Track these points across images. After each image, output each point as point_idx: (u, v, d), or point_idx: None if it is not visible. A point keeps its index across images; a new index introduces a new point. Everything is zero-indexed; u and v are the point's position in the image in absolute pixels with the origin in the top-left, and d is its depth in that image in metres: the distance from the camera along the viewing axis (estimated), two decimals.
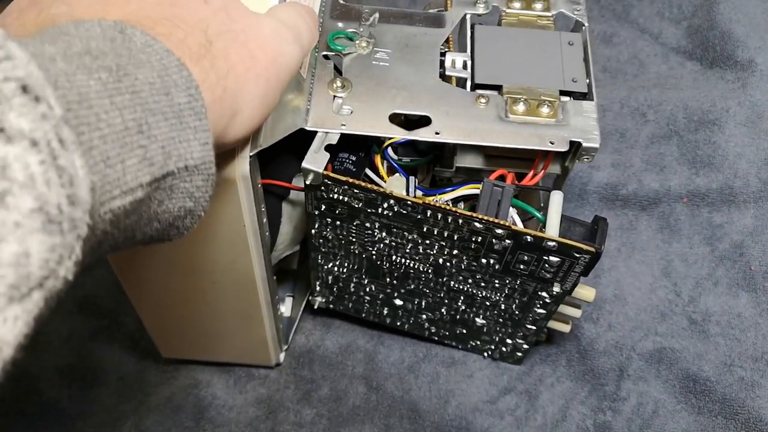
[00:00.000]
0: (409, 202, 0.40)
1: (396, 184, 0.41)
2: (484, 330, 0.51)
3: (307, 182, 0.40)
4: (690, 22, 0.72)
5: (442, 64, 0.43)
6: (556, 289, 0.43)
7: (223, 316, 0.49)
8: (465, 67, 0.43)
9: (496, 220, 0.38)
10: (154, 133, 0.24)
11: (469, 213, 0.39)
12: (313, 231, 0.46)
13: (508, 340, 0.51)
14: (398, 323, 0.54)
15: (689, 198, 0.61)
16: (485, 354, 0.55)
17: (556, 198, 0.40)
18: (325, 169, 0.40)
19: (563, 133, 0.40)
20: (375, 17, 0.45)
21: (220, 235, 0.39)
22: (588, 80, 0.42)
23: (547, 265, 0.41)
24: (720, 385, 0.53)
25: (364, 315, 0.55)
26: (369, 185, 0.39)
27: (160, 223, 0.27)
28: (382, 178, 0.43)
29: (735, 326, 0.56)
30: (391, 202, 0.40)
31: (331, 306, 0.55)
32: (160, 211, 0.26)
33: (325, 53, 0.43)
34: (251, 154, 0.35)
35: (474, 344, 0.54)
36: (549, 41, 0.44)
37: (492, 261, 0.43)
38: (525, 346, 0.51)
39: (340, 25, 0.44)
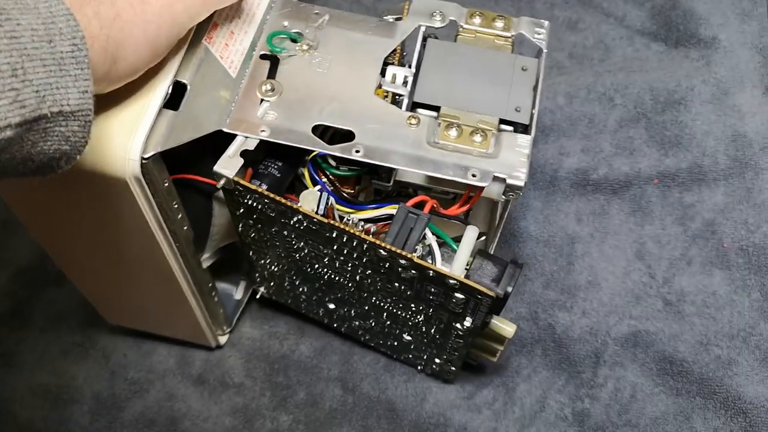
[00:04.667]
0: (315, 220, 0.39)
1: (309, 199, 0.40)
2: (412, 346, 0.50)
3: (219, 186, 0.39)
4: (653, 2, 0.72)
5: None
6: (467, 323, 0.42)
7: (154, 296, 0.49)
8: (405, 83, 0.41)
9: (398, 251, 0.37)
10: (29, 77, 0.26)
11: (372, 239, 0.38)
12: (239, 229, 0.45)
13: (437, 360, 0.50)
14: (335, 325, 0.54)
15: (659, 179, 0.61)
16: (418, 368, 0.54)
17: (470, 234, 0.39)
18: (245, 174, 0.39)
19: (489, 167, 0.38)
20: (324, 19, 0.43)
21: (125, 229, 0.39)
22: (532, 111, 0.40)
23: (454, 301, 0.40)
24: (697, 365, 0.53)
25: (304, 311, 0.54)
26: (278, 198, 0.38)
27: (34, 163, 0.28)
28: (307, 188, 0.42)
29: (710, 305, 0.56)
30: (300, 217, 0.39)
31: (274, 298, 0.55)
32: (34, 152, 0.27)
33: (262, 53, 0.41)
34: (146, 156, 0.34)
35: (406, 357, 0.53)
36: (502, 64, 0.42)
37: (404, 287, 0.41)
38: (452, 368, 0.50)
39: (285, 23, 0.42)
